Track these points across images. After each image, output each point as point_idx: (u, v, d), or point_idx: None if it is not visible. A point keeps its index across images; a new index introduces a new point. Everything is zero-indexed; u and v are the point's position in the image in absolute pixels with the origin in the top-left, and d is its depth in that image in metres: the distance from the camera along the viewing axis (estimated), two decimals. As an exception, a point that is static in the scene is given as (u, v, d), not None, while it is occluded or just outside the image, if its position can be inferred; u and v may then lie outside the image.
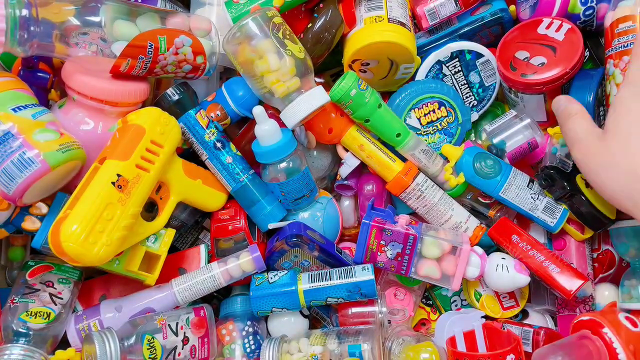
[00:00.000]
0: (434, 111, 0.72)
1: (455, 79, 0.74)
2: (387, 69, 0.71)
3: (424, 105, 0.72)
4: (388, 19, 0.69)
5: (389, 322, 0.70)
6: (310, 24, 0.69)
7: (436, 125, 0.73)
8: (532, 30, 0.71)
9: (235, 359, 0.68)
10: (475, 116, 0.76)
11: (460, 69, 0.74)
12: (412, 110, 0.72)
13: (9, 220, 0.64)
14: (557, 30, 0.69)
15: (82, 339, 0.65)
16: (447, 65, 0.73)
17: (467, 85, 0.74)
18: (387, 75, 0.72)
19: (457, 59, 0.73)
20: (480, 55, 0.73)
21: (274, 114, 0.70)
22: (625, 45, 0.64)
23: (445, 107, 0.72)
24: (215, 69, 0.71)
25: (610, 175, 0.54)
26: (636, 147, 0.53)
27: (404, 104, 0.71)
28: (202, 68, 0.68)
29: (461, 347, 0.64)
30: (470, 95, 0.75)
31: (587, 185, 0.68)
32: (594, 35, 0.73)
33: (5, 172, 0.58)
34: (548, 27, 0.70)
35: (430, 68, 0.73)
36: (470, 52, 0.73)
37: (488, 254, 0.70)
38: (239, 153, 0.70)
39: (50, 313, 0.64)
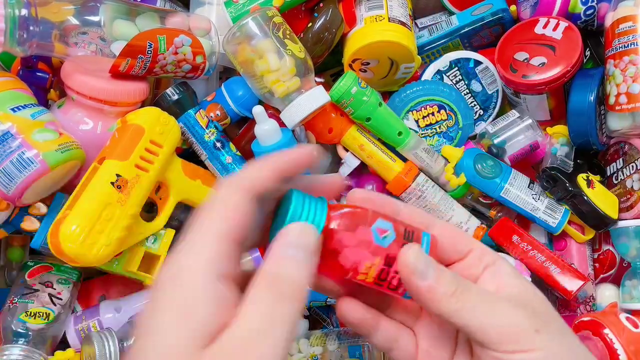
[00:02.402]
0: (433, 114, 0.71)
1: (458, 89, 0.73)
2: (387, 68, 0.71)
3: (423, 108, 0.71)
4: (388, 18, 0.69)
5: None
6: (310, 24, 0.69)
7: (435, 128, 0.72)
8: (530, 31, 0.70)
9: None
10: (482, 127, 0.75)
11: (461, 77, 0.73)
12: (410, 112, 0.71)
13: (8, 221, 0.64)
14: (555, 29, 0.69)
15: (82, 339, 0.65)
16: (447, 75, 0.73)
17: (470, 95, 0.74)
18: (388, 75, 0.72)
19: (456, 68, 0.73)
20: (478, 63, 0.73)
21: (274, 114, 0.70)
22: (626, 45, 0.64)
23: (445, 111, 0.71)
24: (214, 69, 0.71)
25: None
26: None
27: (401, 105, 0.71)
28: (201, 68, 0.68)
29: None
30: (475, 105, 0.75)
31: (589, 185, 0.68)
32: (594, 34, 0.73)
33: (5, 172, 0.58)
34: (545, 26, 0.70)
35: (432, 78, 0.73)
36: (467, 59, 0.73)
37: (488, 254, 0.69)
38: (238, 153, 0.69)
39: (49, 313, 0.64)
